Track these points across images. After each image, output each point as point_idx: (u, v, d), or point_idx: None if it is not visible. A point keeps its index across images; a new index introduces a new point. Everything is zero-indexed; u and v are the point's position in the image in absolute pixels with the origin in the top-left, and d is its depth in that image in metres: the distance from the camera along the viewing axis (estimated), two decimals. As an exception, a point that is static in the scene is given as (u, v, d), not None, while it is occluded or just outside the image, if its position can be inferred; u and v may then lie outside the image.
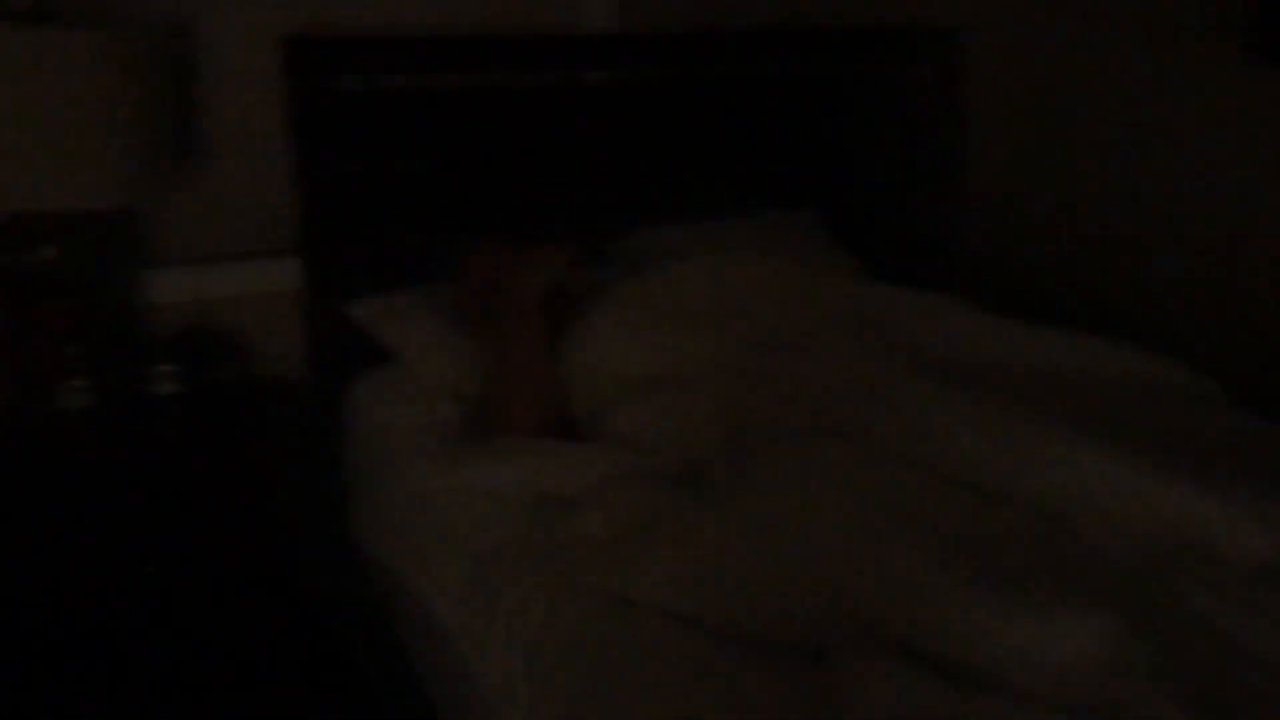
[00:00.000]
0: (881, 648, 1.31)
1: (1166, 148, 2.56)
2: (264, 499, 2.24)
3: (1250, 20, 2.27)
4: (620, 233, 2.72)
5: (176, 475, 2.17)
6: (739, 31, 2.89)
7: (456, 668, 1.73)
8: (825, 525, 1.49)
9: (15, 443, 2.12)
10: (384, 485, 2.17)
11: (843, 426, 1.78)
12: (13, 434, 2.14)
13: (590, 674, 1.41)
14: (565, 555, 1.62)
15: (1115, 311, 2.72)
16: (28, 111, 1.95)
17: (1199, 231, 2.52)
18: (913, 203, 3.09)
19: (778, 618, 1.42)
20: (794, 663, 1.37)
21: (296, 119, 2.38)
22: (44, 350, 2.14)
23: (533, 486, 1.82)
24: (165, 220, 2.39)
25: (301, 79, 2.36)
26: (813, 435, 1.77)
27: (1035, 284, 3.01)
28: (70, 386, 2.15)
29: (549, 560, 1.63)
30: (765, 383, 1.95)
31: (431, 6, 2.60)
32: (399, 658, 2.08)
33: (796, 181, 2.98)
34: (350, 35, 2.48)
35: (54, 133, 1.96)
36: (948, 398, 1.77)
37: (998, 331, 2.23)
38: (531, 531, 1.73)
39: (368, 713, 2.21)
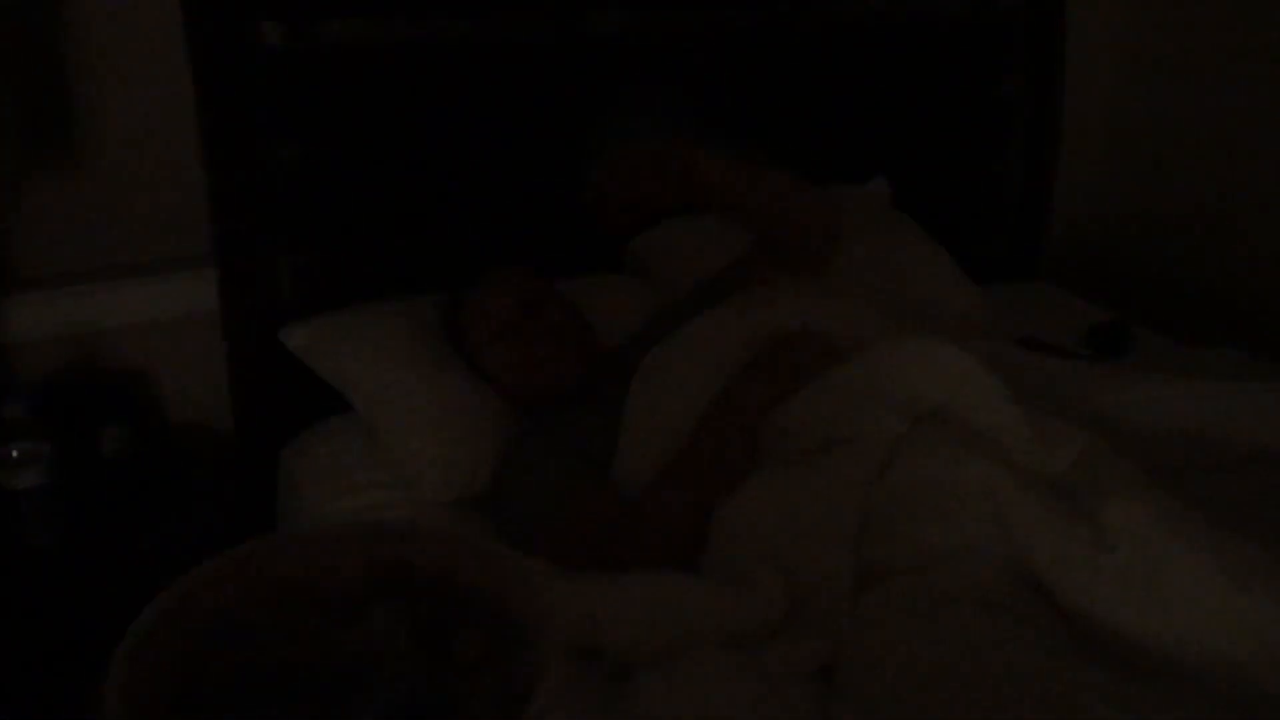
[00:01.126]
0: None
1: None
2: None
3: None
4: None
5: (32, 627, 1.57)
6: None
7: None
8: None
9: None
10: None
11: None
12: None
13: None
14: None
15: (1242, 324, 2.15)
16: None
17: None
18: (993, 170, 2.48)
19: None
20: None
21: (205, 87, 1.77)
22: None
23: None
24: (29, 228, 1.79)
25: (207, 28, 1.74)
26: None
27: (1137, 277, 2.42)
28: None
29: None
30: None
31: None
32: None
33: (855, 148, 2.36)
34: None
35: None
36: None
37: (1194, 394, 1.65)
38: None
39: None
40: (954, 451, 1.37)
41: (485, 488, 1.62)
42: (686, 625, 1.24)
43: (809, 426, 1.43)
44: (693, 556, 1.40)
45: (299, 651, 0.37)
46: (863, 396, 1.44)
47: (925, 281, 2.09)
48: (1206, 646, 1.15)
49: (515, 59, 2.00)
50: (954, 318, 2.05)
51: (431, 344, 1.79)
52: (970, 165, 2.46)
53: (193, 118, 1.77)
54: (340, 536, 0.42)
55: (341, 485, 1.68)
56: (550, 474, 1.51)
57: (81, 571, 1.61)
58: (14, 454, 1.58)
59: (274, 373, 1.87)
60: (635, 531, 1.42)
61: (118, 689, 0.34)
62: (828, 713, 1.16)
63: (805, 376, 1.48)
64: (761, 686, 1.17)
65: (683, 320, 1.64)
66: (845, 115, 2.32)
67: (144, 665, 0.35)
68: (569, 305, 1.75)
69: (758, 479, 1.40)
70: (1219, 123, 2.27)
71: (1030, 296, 2.37)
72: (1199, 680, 1.14)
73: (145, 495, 1.73)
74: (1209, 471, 1.59)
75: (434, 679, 0.37)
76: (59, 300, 1.80)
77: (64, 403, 1.74)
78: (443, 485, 1.62)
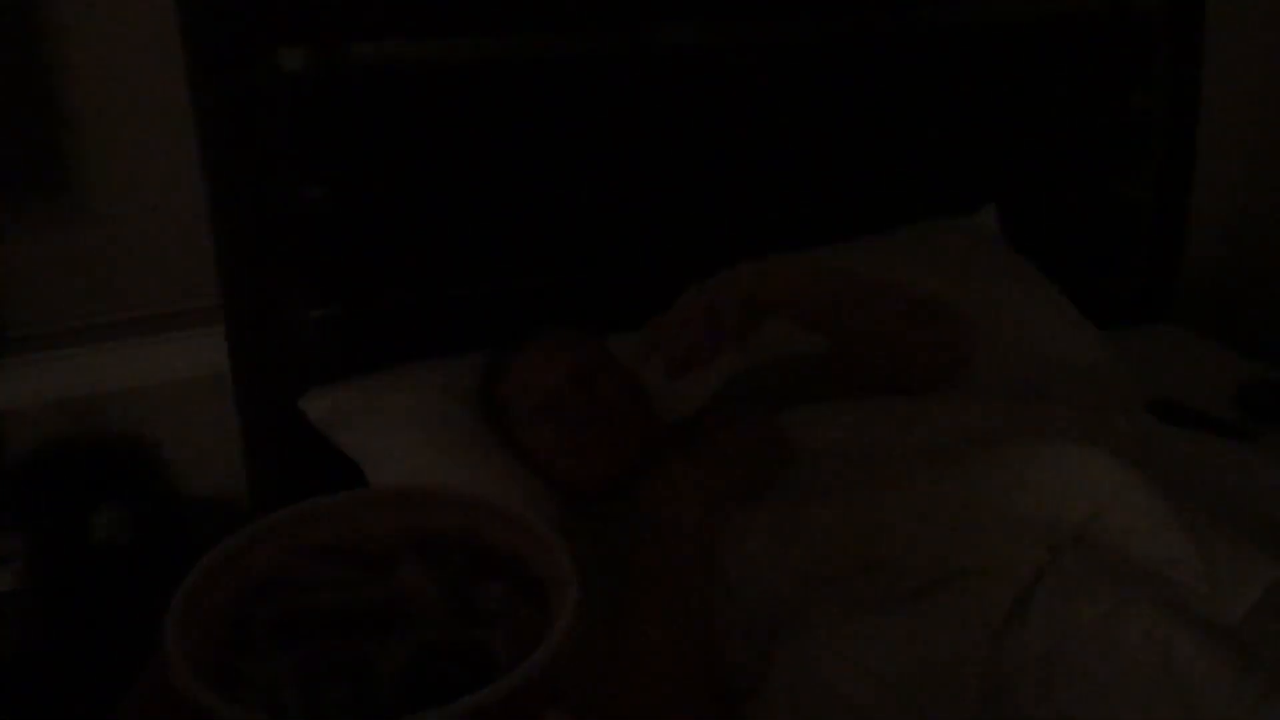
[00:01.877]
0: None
1: None
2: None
3: None
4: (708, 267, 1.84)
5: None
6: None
7: None
8: None
9: None
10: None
11: None
12: None
13: None
14: None
15: None
16: None
17: None
18: (1120, 194, 2.17)
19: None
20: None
21: (211, 120, 1.53)
22: None
23: None
24: (18, 283, 1.57)
25: (212, 56, 1.50)
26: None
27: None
28: None
29: None
30: None
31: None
32: None
33: (960, 173, 2.06)
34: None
35: None
36: None
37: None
38: None
39: None
40: (1112, 592, 1.08)
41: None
42: None
43: (916, 555, 1.15)
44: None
45: (335, 601, 0.42)
46: (990, 517, 1.15)
47: (1041, 330, 1.78)
48: None
49: (577, 75, 1.73)
50: (1075, 374, 1.75)
51: (468, 417, 1.54)
52: (1093, 189, 2.15)
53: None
54: (373, 501, 0.45)
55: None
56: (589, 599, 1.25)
57: (62, 680, 1.40)
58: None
59: (296, 440, 1.63)
60: None
61: (175, 638, 0.39)
62: None
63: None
64: None
65: (765, 400, 1.37)
66: (949, 134, 2.02)
67: (194, 619, 0.40)
68: (627, 376, 1.49)
69: (849, 626, 1.11)
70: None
71: (1161, 344, 2.04)
72: None
73: (145, 583, 1.50)
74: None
75: (459, 626, 0.42)
76: (51, 362, 1.57)
77: (55, 478, 1.53)
78: None
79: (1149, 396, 1.77)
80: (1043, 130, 2.09)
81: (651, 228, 1.83)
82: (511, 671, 0.39)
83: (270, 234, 1.58)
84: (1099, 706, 1.04)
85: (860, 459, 1.24)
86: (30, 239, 1.55)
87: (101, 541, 1.51)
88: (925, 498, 1.16)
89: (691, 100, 1.80)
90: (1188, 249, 2.19)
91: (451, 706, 0.37)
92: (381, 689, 0.41)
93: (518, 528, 0.46)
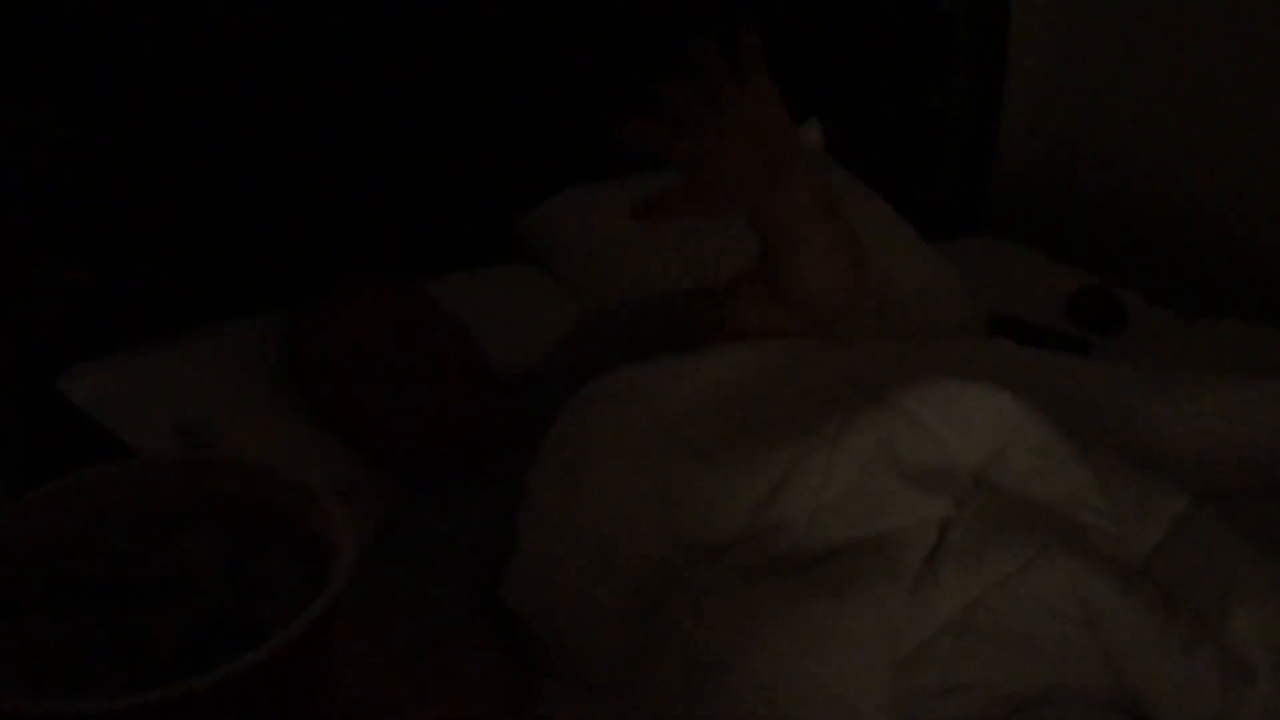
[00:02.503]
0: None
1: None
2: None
3: None
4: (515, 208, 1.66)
5: None
6: None
7: None
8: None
9: None
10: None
11: None
12: None
13: None
14: None
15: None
16: None
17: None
18: (932, 103, 2.10)
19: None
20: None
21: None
22: None
23: None
24: None
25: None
26: None
27: (1095, 225, 2.10)
28: None
29: None
30: None
31: None
32: None
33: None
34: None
35: None
36: None
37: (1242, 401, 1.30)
38: None
39: None
40: (1025, 542, 1.00)
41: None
42: None
43: (812, 518, 1.03)
44: None
45: (114, 570, 0.41)
46: (888, 468, 1.04)
47: (886, 254, 1.69)
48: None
49: None
50: (922, 297, 1.67)
51: (265, 386, 1.33)
52: (906, 100, 2.07)
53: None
54: (157, 466, 0.43)
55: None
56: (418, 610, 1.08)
57: None
58: None
59: (61, 431, 1.37)
60: None
61: None
62: None
63: None
64: None
65: (627, 350, 1.21)
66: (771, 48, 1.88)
67: None
68: (456, 326, 1.31)
69: (741, 600, 0.98)
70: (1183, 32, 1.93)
71: (986, 256, 1.98)
72: None
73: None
74: (1266, 495, 1.29)
75: (236, 598, 0.41)
76: None
77: None
78: None
79: (985, 313, 1.72)
80: (854, 40, 1.98)
81: (455, 152, 1.63)
82: (266, 643, 0.38)
83: (7, 183, 1.31)
84: (1020, 666, 0.96)
85: (742, 412, 1.11)
86: None
87: None
88: (817, 453, 1.03)
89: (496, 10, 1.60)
90: (1000, 159, 2.15)
91: (206, 675, 0.36)
92: (155, 660, 0.39)
93: (298, 490, 0.45)
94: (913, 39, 2.02)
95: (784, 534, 1.02)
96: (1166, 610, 0.95)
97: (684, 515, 1.04)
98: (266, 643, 0.39)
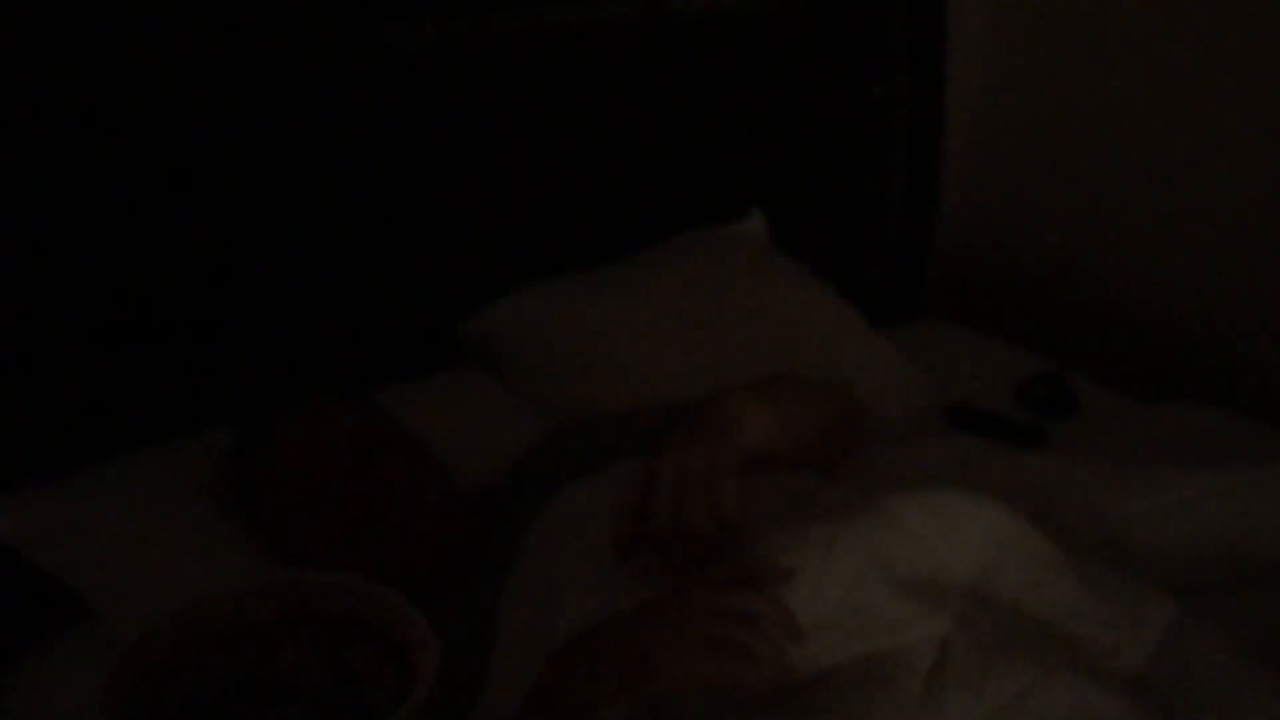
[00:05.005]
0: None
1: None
2: None
3: None
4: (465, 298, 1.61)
5: None
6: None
7: None
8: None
9: None
10: None
11: None
12: None
13: None
14: None
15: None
16: None
17: None
18: (871, 187, 2.10)
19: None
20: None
21: None
22: None
23: None
24: None
25: None
26: None
27: (1035, 311, 2.11)
28: None
29: None
30: None
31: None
32: None
33: (720, 177, 1.92)
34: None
35: None
36: None
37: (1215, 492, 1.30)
38: None
39: None
40: (1028, 661, 0.96)
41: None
42: None
43: (803, 644, 0.98)
44: None
45: (232, 681, 0.45)
46: (881, 583, 1.00)
47: (837, 345, 1.67)
48: None
49: (285, 88, 1.44)
50: (875, 389, 1.65)
51: (211, 514, 1.25)
52: (843, 186, 2.07)
53: None
54: (253, 592, 0.50)
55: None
56: None
57: None
58: None
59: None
60: None
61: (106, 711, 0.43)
62: None
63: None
64: None
65: (604, 461, 1.16)
66: (708, 137, 1.87)
67: (115, 700, 0.44)
68: (417, 446, 1.24)
69: None
70: (1106, 119, 1.96)
71: (929, 340, 1.96)
72: None
73: None
74: (1236, 589, 1.28)
75: (341, 689, 0.46)
76: None
77: None
78: None
79: (942, 407, 1.70)
80: (794, 128, 1.98)
81: (394, 256, 1.58)
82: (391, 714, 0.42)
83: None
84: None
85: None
86: None
87: None
88: (806, 566, 0.99)
89: (429, 108, 1.55)
90: (938, 240, 2.16)
91: None
92: None
93: (378, 602, 0.51)
94: (849, 127, 2.02)
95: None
96: (1171, 723, 0.93)
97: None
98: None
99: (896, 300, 2.15)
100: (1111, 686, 0.95)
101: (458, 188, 1.59)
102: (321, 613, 0.53)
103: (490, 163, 1.62)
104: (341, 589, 0.53)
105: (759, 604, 0.92)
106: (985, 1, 2.06)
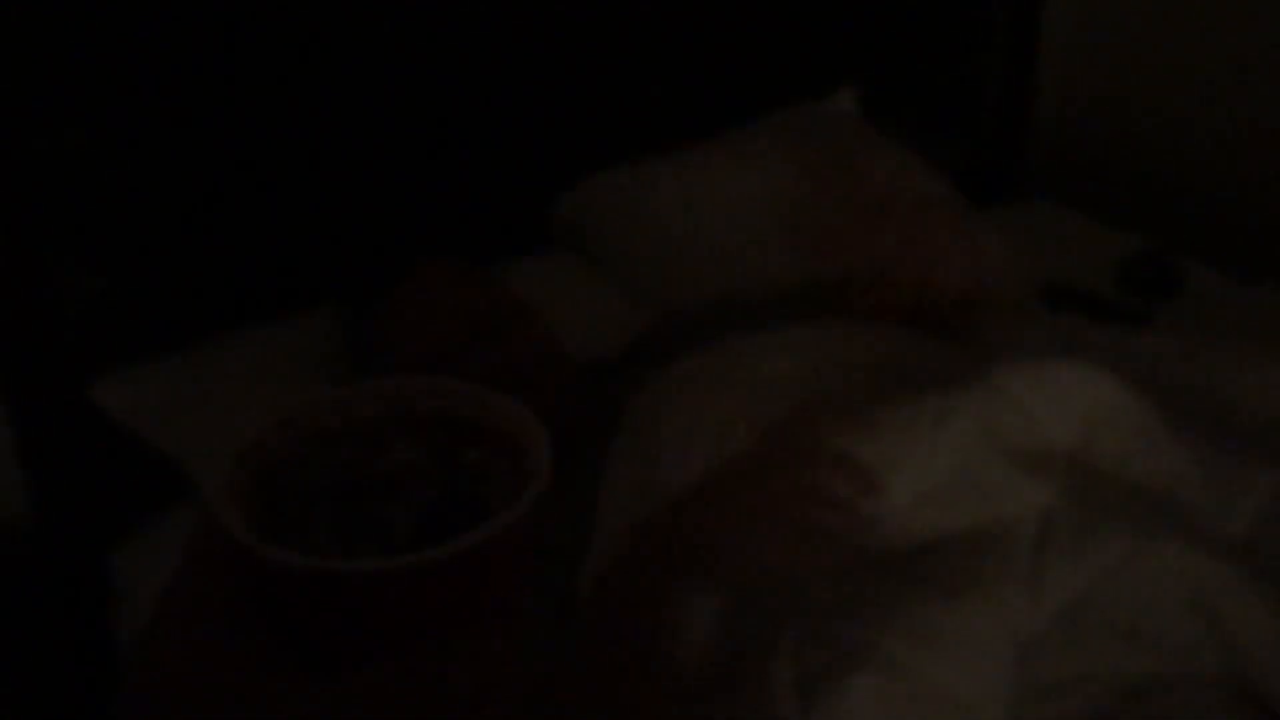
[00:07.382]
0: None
1: None
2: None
3: None
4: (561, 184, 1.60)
5: None
6: None
7: None
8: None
9: None
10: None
11: None
12: None
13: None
14: None
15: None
16: None
17: None
18: (965, 66, 2.04)
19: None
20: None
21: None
22: None
23: None
24: None
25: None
26: None
27: (1138, 191, 2.04)
28: None
29: None
30: None
31: None
32: None
33: (813, 55, 1.88)
34: None
35: None
36: None
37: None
38: None
39: None
40: (1130, 526, 0.95)
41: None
42: None
43: (914, 513, 0.97)
44: None
45: (345, 475, 0.48)
46: (988, 452, 1.00)
47: (938, 224, 1.63)
48: None
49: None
50: (970, 265, 1.61)
51: (327, 384, 1.27)
52: (941, 61, 2.01)
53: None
54: (362, 392, 0.51)
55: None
56: None
57: None
58: None
59: (92, 443, 1.32)
60: None
61: (224, 502, 0.45)
62: None
63: None
64: None
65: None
66: (800, 11, 1.83)
67: (233, 492, 0.46)
68: (543, 326, 1.24)
69: (850, 620, 0.92)
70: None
71: (1027, 221, 1.92)
72: None
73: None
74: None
75: (451, 484, 0.48)
76: None
77: None
78: None
79: (1035, 285, 1.66)
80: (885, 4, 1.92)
81: (488, 134, 1.57)
82: (504, 511, 0.44)
83: (23, 186, 1.25)
84: (1133, 655, 0.92)
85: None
86: None
87: None
88: (918, 437, 0.98)
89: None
90: (1039, 120, 2.09)
91: (458, 539, 0.43)
92: (399, 545, 0.45)
93: (487, 402, 0.51)
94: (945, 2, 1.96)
95: (882, 524, 0.97)
96: (1276, 590, 0.92)
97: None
98: (491, 520, 0.45)
99: (995, 180, 2.10)
100: (1216, 551, 0.94)
101: (547, 64, 1.58)
102: (429, 412, 0.51)
103: (581, 40, 1.60)
104: (448, 389, 0.52)
105: (841, 486, 0.93)
106: None
